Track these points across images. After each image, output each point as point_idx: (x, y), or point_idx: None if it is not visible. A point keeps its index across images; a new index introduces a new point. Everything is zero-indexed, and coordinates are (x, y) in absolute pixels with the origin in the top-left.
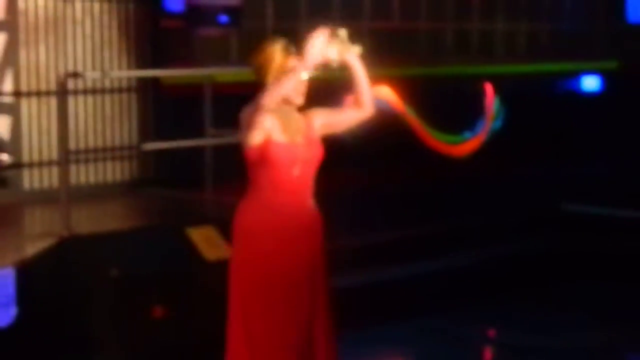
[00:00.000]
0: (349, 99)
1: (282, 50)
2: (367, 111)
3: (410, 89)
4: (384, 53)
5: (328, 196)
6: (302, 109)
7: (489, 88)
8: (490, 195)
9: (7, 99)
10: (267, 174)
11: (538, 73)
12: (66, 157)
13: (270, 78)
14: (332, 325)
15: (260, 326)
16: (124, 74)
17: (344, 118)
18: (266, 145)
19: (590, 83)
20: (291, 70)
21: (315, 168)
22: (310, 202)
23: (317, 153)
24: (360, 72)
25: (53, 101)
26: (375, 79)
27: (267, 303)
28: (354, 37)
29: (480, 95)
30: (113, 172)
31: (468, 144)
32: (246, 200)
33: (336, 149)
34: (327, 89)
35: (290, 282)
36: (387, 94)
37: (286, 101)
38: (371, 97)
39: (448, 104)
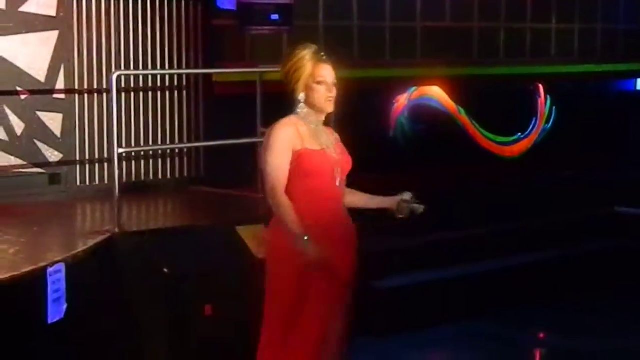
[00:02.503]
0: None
1: (313, 58)
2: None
3: (462, 89)
4: (436, 53)
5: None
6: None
7: (541, 88)
8: (542, 197)
9: (60, 97)
10: (302, 184)
11: (592, 73)
12: (117, 155)
13: (300, 86)
14: (349, 331)
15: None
16: (175, 72)
17: None
18: (300, 154)
19: None
20: (320, 82)
21: (345, 177)
22: (344, 211)
23: (348, 162)
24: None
25: (106, 98)
26: (428, 78)
27: (298, 311)
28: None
29: (533, 95)
30: (164, 169)
31: (520, 144)
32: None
33: (386, 150)
34: (357, 90)
35: (324, 291)
36: (439, 94)
37: (317, 110)
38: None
39: (500, 105)
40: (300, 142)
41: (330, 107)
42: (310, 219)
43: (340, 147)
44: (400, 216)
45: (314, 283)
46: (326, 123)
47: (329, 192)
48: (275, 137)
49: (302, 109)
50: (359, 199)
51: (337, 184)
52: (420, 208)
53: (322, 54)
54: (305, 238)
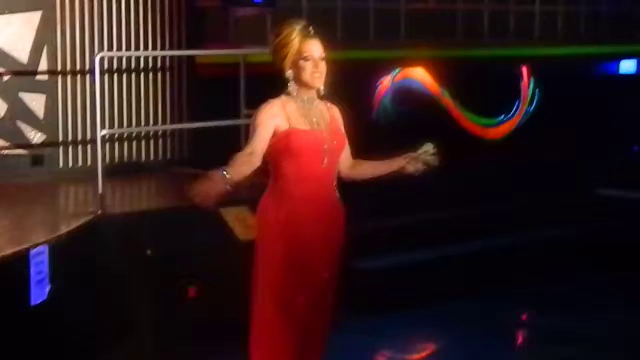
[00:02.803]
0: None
1: (299, 34)
2: (346, 179)
3: (446, 70)
4: (420, 35)
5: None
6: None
7: (525, 71)
8: (525, 179)
9: (43, 77)
10: (291, 164)
11: (575, 56)
12: (101, 136)
13: (287, 63)
14: (332, 311)
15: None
16: (159, 53)
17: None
18: (288, 134)
19: (628, 66)
20: (307, 57)
21: (338, 157)
22: (334, 192)
23: (340, 142)
24: (390, 173)
25: (88, 80)
26: (411, 60)
27: (284, 288)
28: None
29: (516, 77)
30: (147, 151)
31: (503, 127)
32: (269, 193)
33: (369, 132)
34: (341, 71)
35: (310, 270)
36: (423, 76)
37: (305, 86)
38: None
39: (484, 87)
40: (287, 121)
41: (318, 83)
42: (298, 198)
43: (335, 125)
44: (414, 170)
45: (301, 260)
46: (324, 97)
47: (317, 172)
48: (258, 113)
49: (291, 86)
50: (366, 168)
51: (324, 164)
52: (434, 159)
53: (309, 29)
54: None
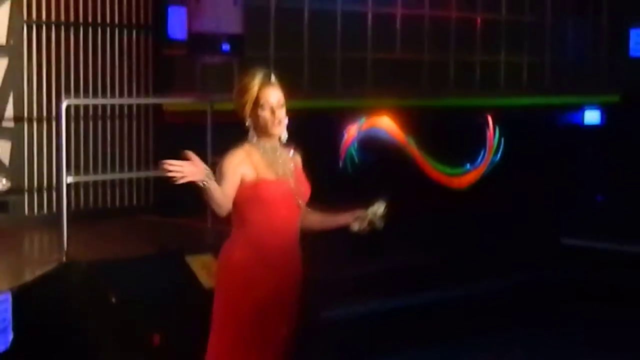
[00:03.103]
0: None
1: (259, 82)
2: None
3: (411, 119)
4: (386, 83)
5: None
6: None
7: (490, 120)
8: (490, 227)
9: (9, 124)
10: (259, 213)
11: (540, 106)
12: (65, 184)
13: (247, 111)
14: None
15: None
16: (125, 100)
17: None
18: (256, 184)
19: (592, 116)
20: (264, 105)
21: (303, 205)
22: (296, 240)
23: (306, 189)
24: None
25: (54, 126)
26: (377, 109)
27: (240, 333)
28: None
29: (481, 127)
30: (113, 197)
31: (468, 176)
32: (232, 239)
33: (335, 181)
34: (308, 120)
35: (270, 324)
36: (388, 124)
37: (265, 135)
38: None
39: (449, 136)
40: (254, 170)
41: (276, 131)
42: (265, 247)
43: (299, 174)
44: (358, 229)
45: (264, 322)
46: (286, 145)
47: (285, 221)
48: (224, 162)
49: (251, 135)
50: (314, 220)
51: (288, 211)
52: (380, 222)
53: (270, 76)
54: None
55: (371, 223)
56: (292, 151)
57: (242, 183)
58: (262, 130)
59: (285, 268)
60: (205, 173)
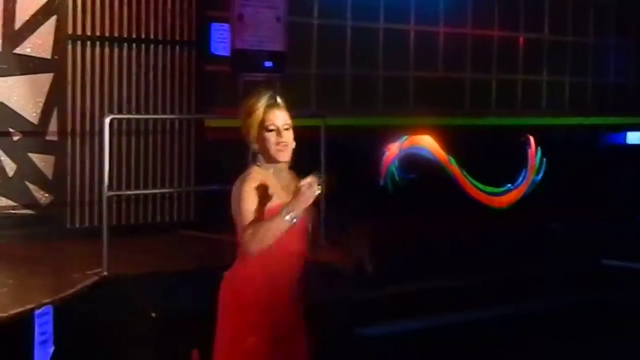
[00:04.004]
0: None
1: (264, 104)
2: None
3: (453, 139)
4: (427, 102)
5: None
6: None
7: (532, 140)
8: (530, 248)
9: (52, 138)
10: None
11: (582, 126)
12: (107, 197)
13: (252, 136)
14: None
15: None
16: (168, 116)
17: None
18: (273, 207)
19: (635, 137)
20: (270, 127)
21: (307, 232)
22: (302, 263)
23: (307, 218)
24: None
25: (97, 141)
26: (419, 128)
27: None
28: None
29: (523, 147)
30: (154, 212)
31: (509, 195)
32: (237, 267)
33: (376, 198)
34: (349, 137)
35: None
36: (430, 143)
37: (272, 159)
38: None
39: (491, 155)
40: (271, 194)
41: (282, 156)
42: (268, 272)
43: None
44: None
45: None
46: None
47: (297, 245)
48: (242, 188)
49: (259, 161)
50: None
51: (304, 235)
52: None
53: (274, 98)
54: (285, 214)
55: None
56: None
57: (260, 207)
58: (268, 155)
59: (287, 299)
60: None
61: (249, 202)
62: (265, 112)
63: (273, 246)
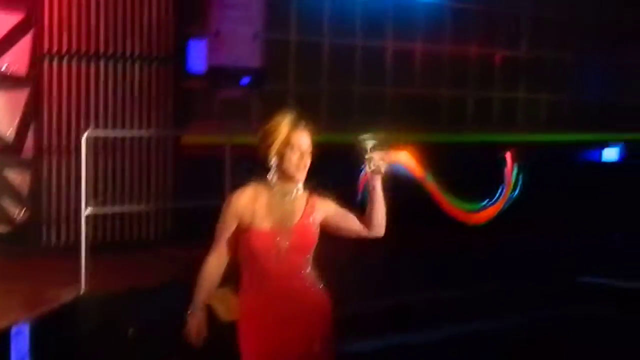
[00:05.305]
0: (365, 179)
1: (289, 124)
2: (377, 234)
3: (430, 155)
4: (404, 119)
5: (349, 260)
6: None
7: (508, 156)
8: (506, 264)
9: (28, 155)
10: (252, 262)
11: (558, 143)
12: (84, 215)
13: (272, 151)
14: None
15: None
16: (145, 133)
17: (351, 229)
18: (249, 234)
19: (611, 153)
20: (294, 148)
21: (307, 253)
22: (300, 284)
23: (308, 239)
24: (379, 194)
25: (74, 157)
26: (396, 144)
27: None
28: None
29: (500, 163)
30: (131, 229)
31: (486, 212)
32: (242, 282)
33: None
34: (325, 154)
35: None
36: (407, 160)
37: (288, 177)
38: (384, 221)
39: (468, 171)
40: (250, 217)
41: (301, 175)
42: (264, 294)
43: (304, 221)
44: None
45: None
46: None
47: (276, 273)
48: (225, 204)
49: (272, 175)
50: (371, 213)
51: (283, 260)
52: (377, 160)
53: (300, 120)
54: (189, 312)
55: (372, 162)
56: (310, 194)
57: (239, 228)
58: (286, 172)
59: (287, 316)
60: (194, 315)
61: (222, 221)
62: (291, 132)
63: (256, 262)
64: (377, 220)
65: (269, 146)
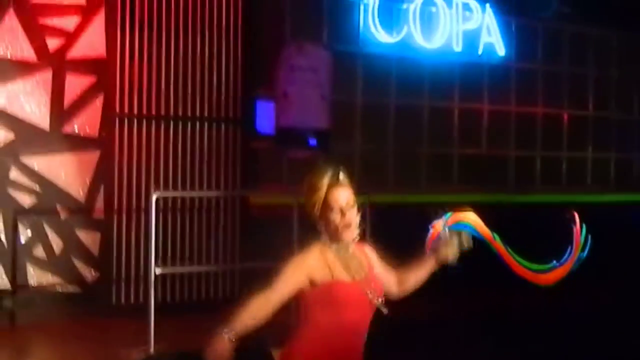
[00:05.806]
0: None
1: (327, 182)
2: (401, 295)
3: (497, 215)
4: (472, 179)
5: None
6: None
7: (577, 217)
8: (578, 325)
9: (99, 215)
10: (328, 313)
11: (628, 202)
12: (154, 275)
13: (316, 212)
14: None
15: None
16: (213, 193)
17: (386, 284)
18: (331, 286)
19: None
20: (333, 208)
21: (374, 306)
22: (362, 341)
23: (378, 288)
24: (432, 263)
25: (144, 218)
26: (463, 204)
27: None
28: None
29: (568, 223)
30: (199, 289)
31: (555, 272)
32: (294, 344)
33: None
34: (406, 214)
35: None
36: (474, 220)
37: (337, 238)
38: (417, 287)
39: (536, 232)
40: (329, 271)
41: (348, 236)
42: (324, 350)
43: (372, 273)
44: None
45: None
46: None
47: (355, 324)
48: (291, 264)
49: (323, 237)
50: (410, 280)
51: (360, 314)
52: (466, 240)
53: (338, 176)
54: (219, 333)
55: (453, 245)
56: (365, 246)
57: (314, 284)
58: (333, 234)
59: None
60: (225, 341)
61: (282, 279)
62: (328, 192)
63: (334, 315)
64: (414, 283)
65: (312, 207)
